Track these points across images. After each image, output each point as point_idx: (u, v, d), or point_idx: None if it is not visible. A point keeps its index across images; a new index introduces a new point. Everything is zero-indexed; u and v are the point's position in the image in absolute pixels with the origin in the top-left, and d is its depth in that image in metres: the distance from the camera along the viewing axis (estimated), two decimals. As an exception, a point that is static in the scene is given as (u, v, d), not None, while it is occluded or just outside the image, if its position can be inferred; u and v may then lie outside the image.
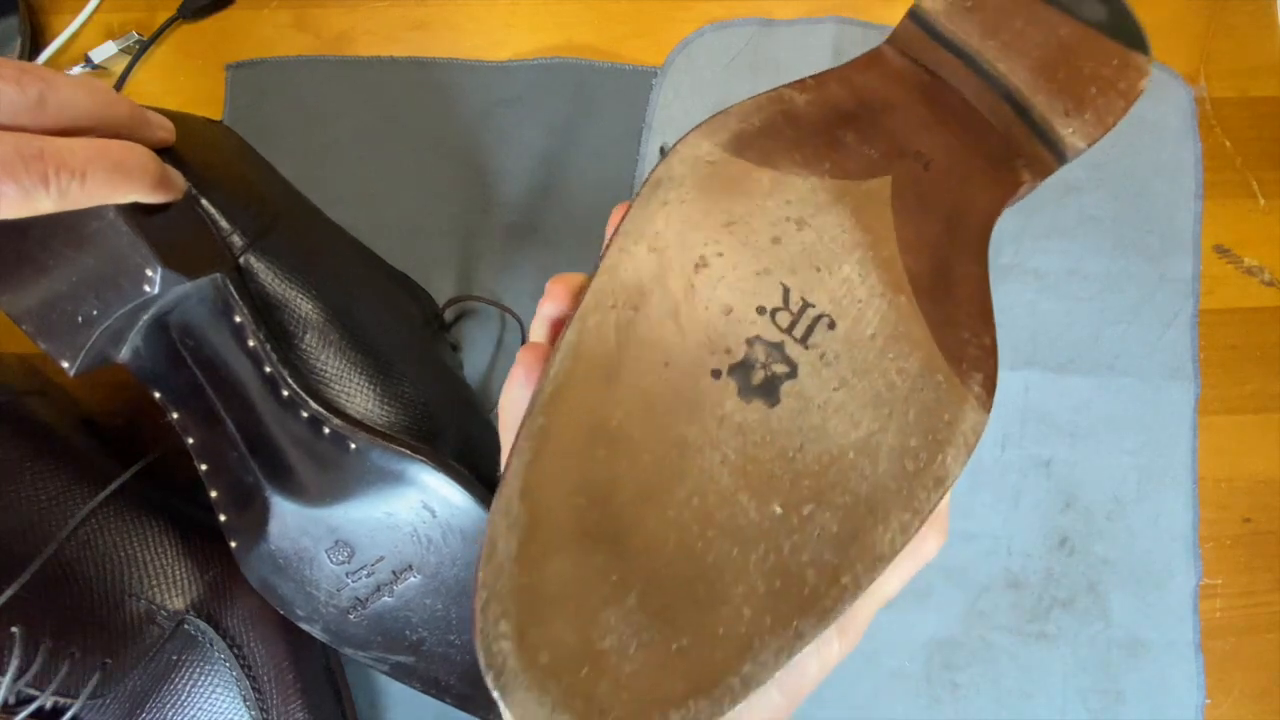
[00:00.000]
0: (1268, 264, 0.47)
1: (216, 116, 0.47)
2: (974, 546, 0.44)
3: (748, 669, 0.19)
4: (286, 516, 0.35)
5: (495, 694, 0.18)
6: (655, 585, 0.19)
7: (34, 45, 0.47)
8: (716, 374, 0.21)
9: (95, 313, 0.34)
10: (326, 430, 0.34)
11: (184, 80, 0.47)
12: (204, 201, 0.35)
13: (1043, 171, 0.26)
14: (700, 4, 0.48)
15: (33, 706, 0.34)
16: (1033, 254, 0.46)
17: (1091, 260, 0.46)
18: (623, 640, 0.19)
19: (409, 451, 0.34)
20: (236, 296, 0.34)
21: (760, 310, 0.21)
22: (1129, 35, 0.27)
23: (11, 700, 0.34)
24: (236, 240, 0.35)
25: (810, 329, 0.21)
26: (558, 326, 0.23)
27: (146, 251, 0.32)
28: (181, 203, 0.34)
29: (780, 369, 0.21)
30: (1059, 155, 0.26)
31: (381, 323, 0.38)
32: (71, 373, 0.34)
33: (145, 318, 0.35)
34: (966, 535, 0.44)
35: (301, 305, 0.36)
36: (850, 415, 0.21)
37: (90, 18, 0.47)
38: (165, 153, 0.33)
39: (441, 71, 0.47)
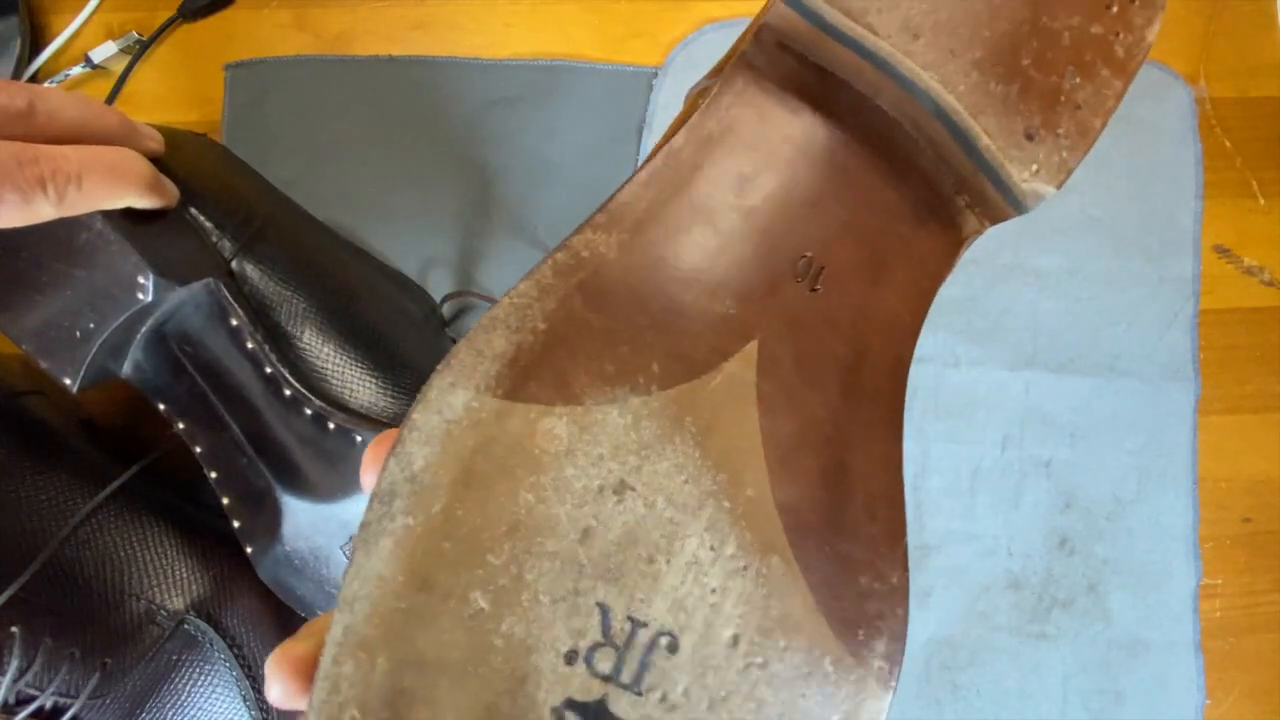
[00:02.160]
0: (1268, 264, 0.47)
1: (216, 116, 0.47)
2: (974, 547, 0.44)
3: None
4: (299, 516, 0.35)
5: None
6: None
7: (34, 45, 0.47)
8: None
9: (92, 326, 0.34)
10: (331, 425, 0.34)
11: (184, 80, 0.47)
12: (192, 210, 0.35)
13: (987, 214, 0.19)
14: (700, 4, 0.48)
15: (33, 706, 0.34)
16: (1032, 254, 0.46)
17: (1092, 260, 0.46)
18: None
19: None
20: (231, 300, 0.34)
21: (570, 657, 0.15)
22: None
23: (11, 700, 0.34)
24: (227, 245, 0.35)
25: (644, 664, 0.15)
26: None
27: (137, 259, 0.33)
28: (170, 213, 0.34)
29: None
30: (1015, 204, 0.18)
31: (380, 317, 0.38)
32: (73, 389, 0.34)
33: (143, 330, 0.36)
34: (966, 536, 0.44)
35: (297, 304, 0.36)
36: None
37: (90, 18, 0.47)
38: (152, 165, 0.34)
39: (441, 71, 0.47)
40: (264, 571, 0.36)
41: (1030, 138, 0.17)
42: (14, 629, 0.34)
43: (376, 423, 0.34)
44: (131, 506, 0.38)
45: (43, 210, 0.28)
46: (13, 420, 0.38)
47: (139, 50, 0.47)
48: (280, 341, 0.35)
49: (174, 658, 0.37)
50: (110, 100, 0.46)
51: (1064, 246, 0.46)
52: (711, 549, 0.15)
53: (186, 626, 0.37)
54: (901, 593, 0.16)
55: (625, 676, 0.15)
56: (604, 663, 0.15)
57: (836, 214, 0.18)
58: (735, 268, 0.17)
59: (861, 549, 0.16)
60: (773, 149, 0.18)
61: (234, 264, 0.35)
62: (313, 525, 0.35)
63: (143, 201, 0.32)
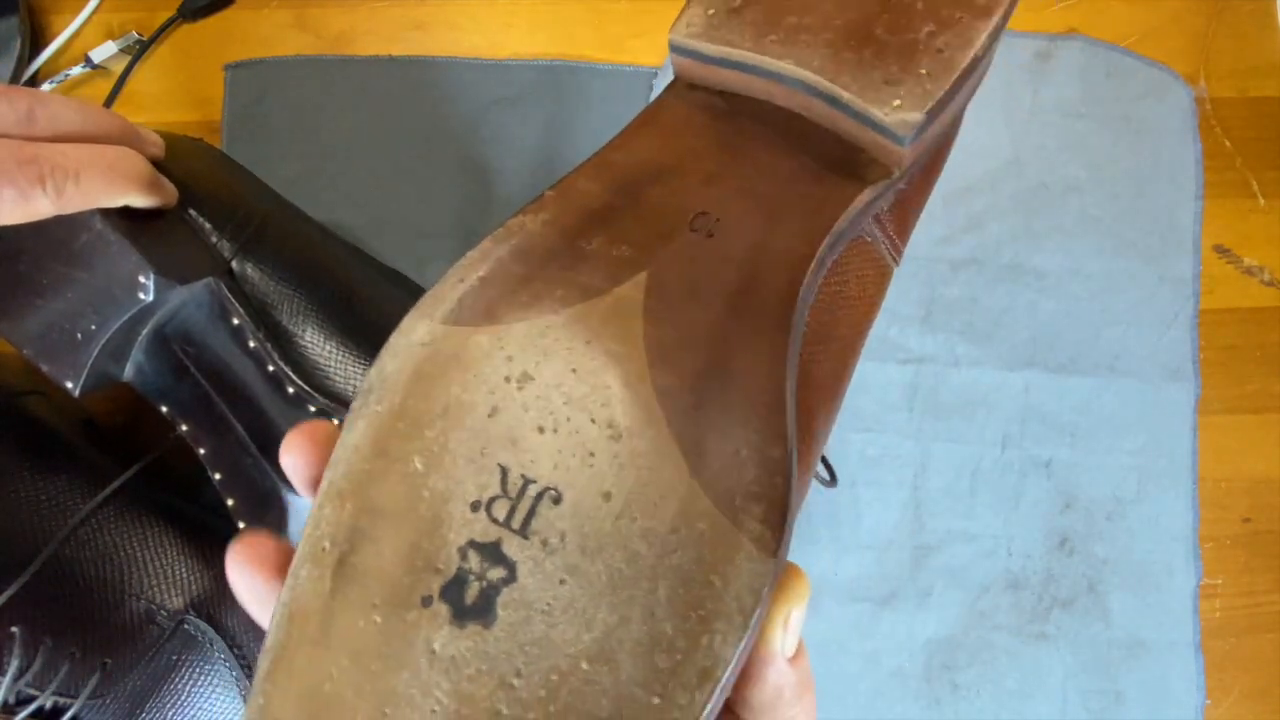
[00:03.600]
0: (1268, 264, 0.47)
1: (216, 116, 0.47)
2: (974, 547, 0.44)
3: None
4: (304, 515, 0.35)
5: None
6: None
7: (34, 45, 0.47)
8: (427, 600, 0.18)
9: (93, 328, 0.34)
10: (336, 421, 0.34)
11: (184, 80, 0.47)
12: (190, 211, 0.35)
13: (888, 160, 0.21)
14: (700, 4, 0.48)
15: (33, 706, 0.34)
16: (1033, 254, 0.46)
17: (1092, 260, 0.46)
18: None
19: None
20: (232, 299, 0.34)
21: (475, 506, 0.18)
22: None
23: (11, 700, 0.34)
24: (226, 246, 0.35)
25: (531, 512, 0.18)
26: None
27: (138, 259, 0.32)
28: (169, 214, 0.34)
29: (496, 574, 0.18)
30: (894, 137, 0.21)
31: (380, 315, 0.38)
32: (75, 393, 0.34)
33: (145, 331, 0.36)
34: (966, 536, 0.44)
35: (297, 302, 0.36)
36: (580, 613, 0.17)
37: (90, 18, 0.47)
38: None
39: (441, 71, 0.47)
40: None
41: (889, 82, 0.21)
42: (14, 629, 0.34)
43: None
44: (131, 506, 0.38)
45: (41, 206, 0.28)
46: (13, 420, 0.38)
47: (139, 50, 0.47)
48: (282, 339, 0.35)
49: (174, 658, 0.37)
50: (110, 100, 0.46)
51: (1064, 246, 0.46)
52: (592, 421, 0.19)
53: (186, 626, 0.37)
54: (781, 466, 0.18)
55: (515, 523, 0.18)
56: (500, 511, 0.18)
57: (733, 184, 0.21)
58: (635, 226, 0.21)
59: (738, 426, 0.18)
60: (681, 148, 0.22)
61: (234, 264, 0.35)
62: None
63: (141, 200, 0.32)
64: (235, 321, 0.35)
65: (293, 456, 0.20)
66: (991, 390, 0.45)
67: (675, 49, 0.23)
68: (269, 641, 0.18)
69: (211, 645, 0.37)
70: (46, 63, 0.46)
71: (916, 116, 0.20)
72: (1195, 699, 0.43)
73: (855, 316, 0.23)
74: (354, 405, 0.19)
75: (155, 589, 0.37)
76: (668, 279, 0.20)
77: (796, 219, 0.21)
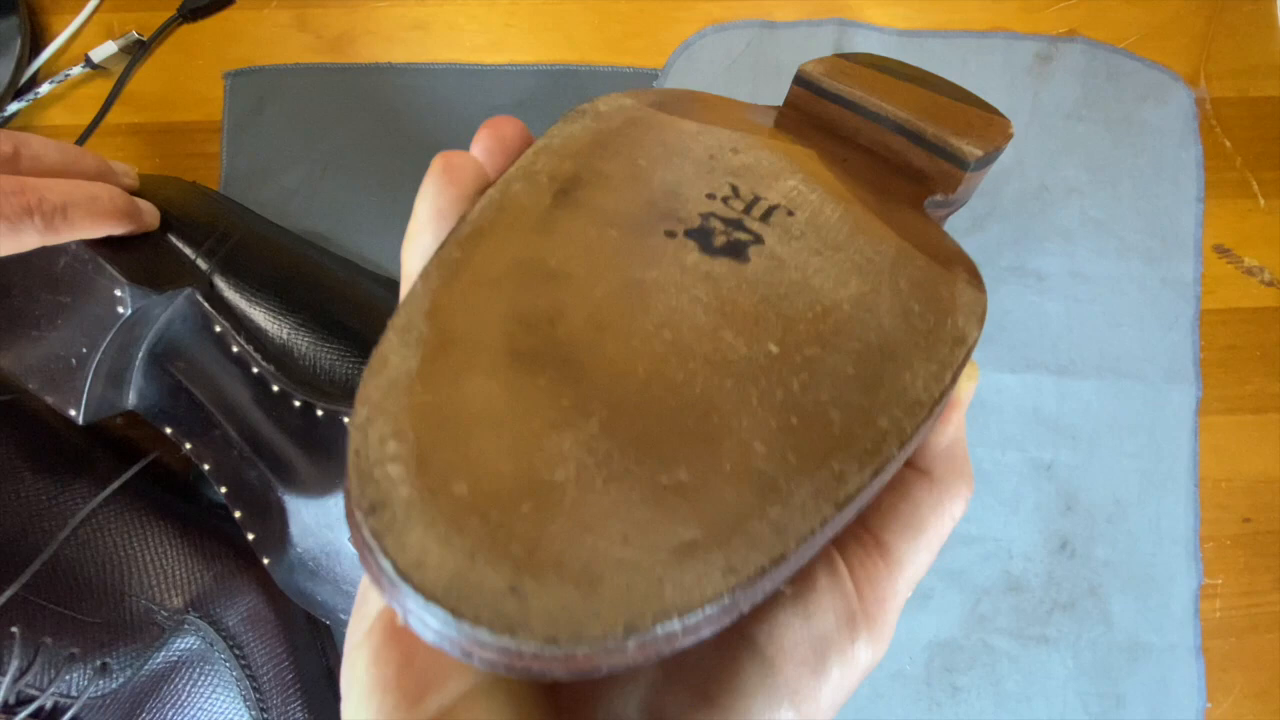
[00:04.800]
0: (1268, 264, 0.47)
1: (216, 116, 0.47)
2: (975, 549, 0.44)
3: (777, 513, 0.14)
4: (303, 514, 0.35)
5: (370, 538, 0.13)
6: (625, 412, 0.15)
7: (34, 45, 0.46)
8: (671, 234, 0.18)
9: (84, 350, 0.35)
10: (320, 413, 0.35)
11: (184, 80, 0.47)
12: (169, 236, 0.36)
13: (948, 183, 0.25)
14: (701, 5, 0.48)
15: (33, 706, 0.34)
16: (1034, 256, 0.46)
17: (1093, 263, 0.46)
18: (584, 471, 0.14)
19: None
20: (212, 308, 0.35)
21: (710, 196, 0.19)
22: (984, 105, 0.27)
23: (11, 700, 0.34)
24: (204, 263, 0.37)
25: (768, 213, 0.19)
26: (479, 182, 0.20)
27: (111, 273, 0.34)
28: (149, 237, 0.36)
29: (744, 236, 0.18)
30: (960, 163, 0.25)
31: (362, 318, 0.39)
32: (79, 421, 0.36)
33: (140, 355, 0.37)
34: (967, 538, 0.44)
35: (276, 306, 0.37)
36: (834, 276, 0.18)
37: (90, 18, 0.47)
38: None
39: (441, 78, 0.47)
40: (282, 582, 0.37)
41: (957, 133, 0.25)
42: (14, 629, 0.34)
43: None
44: (131, 506, 0.38)
45: (29, 239, 0.30)
46: (13, 420, 0.38)
47: (139, 50, 0.46)
48: (263, 340, 0.36)
49: (174, 658, 0.37)
50: (110, 100, 0.46)
51: (1066, 249, 0.46)
52: (806, 187, 0.20)
53: (186, 626, 0.37)
54: (965, 256, 0.20)
55: (755, 214, 0.19)
56: (737, 205, 0.19)
57: (848, 151, 0.25)
58: (797, 132, 0.25)
59: (917, 233, 0.20)
60: (813, 131, 0.26)
61: (215, 278, 0.36)
62: (317, 521, 0.35)
63: (122, 228, 0.34)
64: (217, 329, 0.36)
65: (482, 144, 0.20)
66: (992, 392, 0.45)
67: (800, 80, 0.27)
68: (470, 216, 0.17)
69: (211, 645, 0.37)
70: (46, 63, 0.46)
71: (979, 151, 0.25)
72: (1196, 702, 0.43)
73: None
74: (566, 116, 0.20)
75: (155, 589, 0.37)
76: (829, 159, 0.23)
77: (896, 184, 0.24)
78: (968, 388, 0.20)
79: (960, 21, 0.48)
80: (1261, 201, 0.47)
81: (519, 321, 0.16)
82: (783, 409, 0.15)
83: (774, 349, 0.16)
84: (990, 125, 0.26)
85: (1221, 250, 0.47)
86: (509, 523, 0.13)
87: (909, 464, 0.20)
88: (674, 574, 0.13)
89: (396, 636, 0.16)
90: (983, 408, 0.45)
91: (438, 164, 0.19)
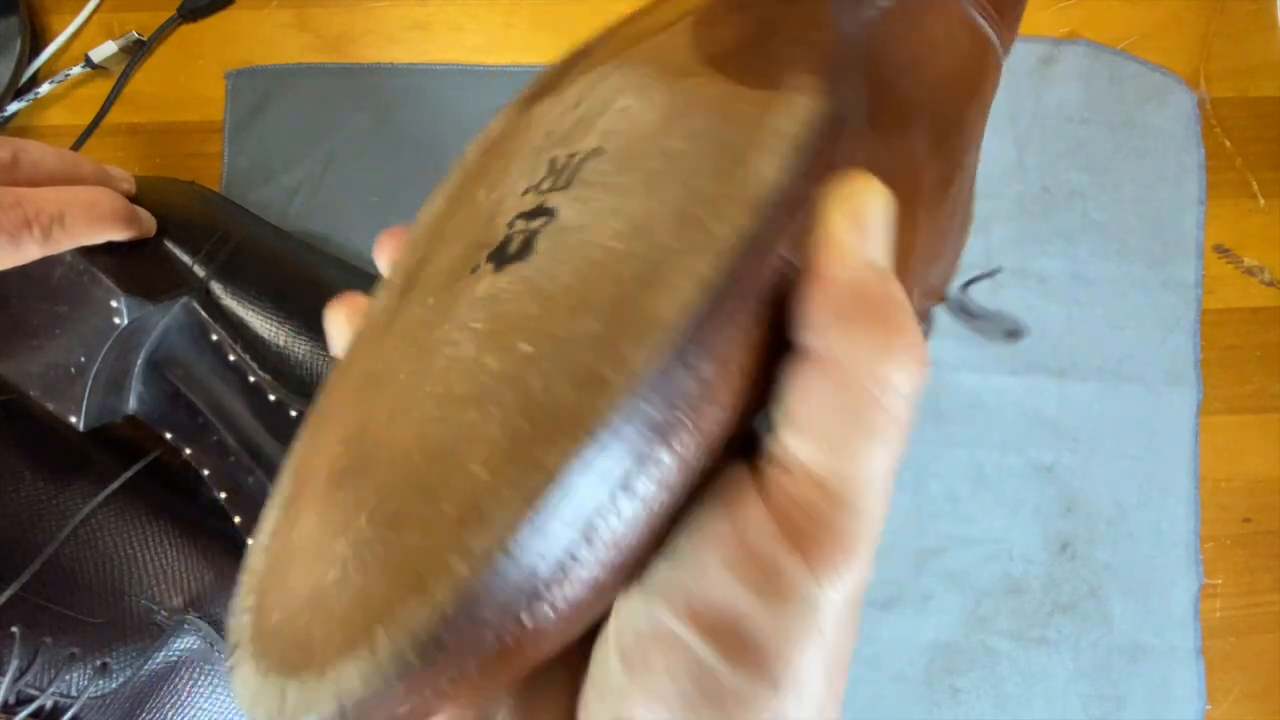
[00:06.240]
0: (1268, 264, 0.47)
1: (216, 116, 0.47)
2: (975, 551, 0.44)
3: (472, 538, 0.13)
4: None
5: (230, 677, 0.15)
6: (388, 494, 0.15)
7: (34, 45, 0.46)
8: (475, 269, 0.18)
9: (83, 359, 0.35)
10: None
11: (184, 80, 0.47)
12: (166, 242, 0.36)
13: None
14: (701, 4, 0.48)
15: (33, 706, 0.34)
16: (1035, 258, 0.46)
17: (1094, 265, 0.46)
18: (346, 567, 0.14)
19: None
20: (208, 317, 0.36)
21: (527, 191, 0.18)
22: None
23: (11, 700, 0.34)
24: (201, 269, 0.37)
25: (576, 170, 0.18)
26: None
27: (107, 284, 0.34)
28: (146, 244, 0.36)
29: (536, 224, 0.17)
30: None
31: None
32: (80, 427, 0.36)
33: (139, 362, 0.37)
34: (967, 540, 0.44)
35: (273, 314, 0.37)
36: (615, 211, 0.16)
37: (90, 18, 0.47)
38: None
39: (443, 78, 0.47)
40: None
41: None
42: (14, 629, 0.34)
43: None
44: (131, 506, 0.38)
45: (30, 250, 0.30)
46: (13, 420, 0.38)
47: (139, 50, 0.46)
48: (260, 347, 0.36)
49: (174, 658, 0.37)
50: (110, 100, 0.46)
51: (1067, 251, 0.46)
52: (637, 90, 0.18)
53: (186, 626, 0.37)
54: (827, 44, 0.17)
55: (561, 184, 0.18)
56: (548, 184, 0.18)
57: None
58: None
59: (785, 39, 0.18)
60: None
61: (212, 285, 0.36)
62: None
63: (120, 234, 0.34)
64: (214, 338, 0.36)
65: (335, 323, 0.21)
66: (993, 394, 0.45)
67: None
68: (341, 357, 0.20)
69: (212, 645, 0.37)
70: (46, 63, 0.46)
71: None
72: (1196, 704, 0.43)
73: (949, 86, 0.21)
74: (446, 180, 0.22)
75: (155, 589, 0.37)
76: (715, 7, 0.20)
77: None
78: (845, 210, 0.15)
79: (960, 22, 0.48)
80: (1261, 201, 0.47)
81: (342, 442, 0.17)
82: (517, 416, 0.14)
83: (527, 348, 0.15)
84: None
85: (1221, 250, 0.47)
86: (294, 635, 0.14)
87: (806, 360, 0.15)
88: (361, 654, 0.13)
89: None
90: (984, 410, 0.45)
91: (330, 310, 0.22)
